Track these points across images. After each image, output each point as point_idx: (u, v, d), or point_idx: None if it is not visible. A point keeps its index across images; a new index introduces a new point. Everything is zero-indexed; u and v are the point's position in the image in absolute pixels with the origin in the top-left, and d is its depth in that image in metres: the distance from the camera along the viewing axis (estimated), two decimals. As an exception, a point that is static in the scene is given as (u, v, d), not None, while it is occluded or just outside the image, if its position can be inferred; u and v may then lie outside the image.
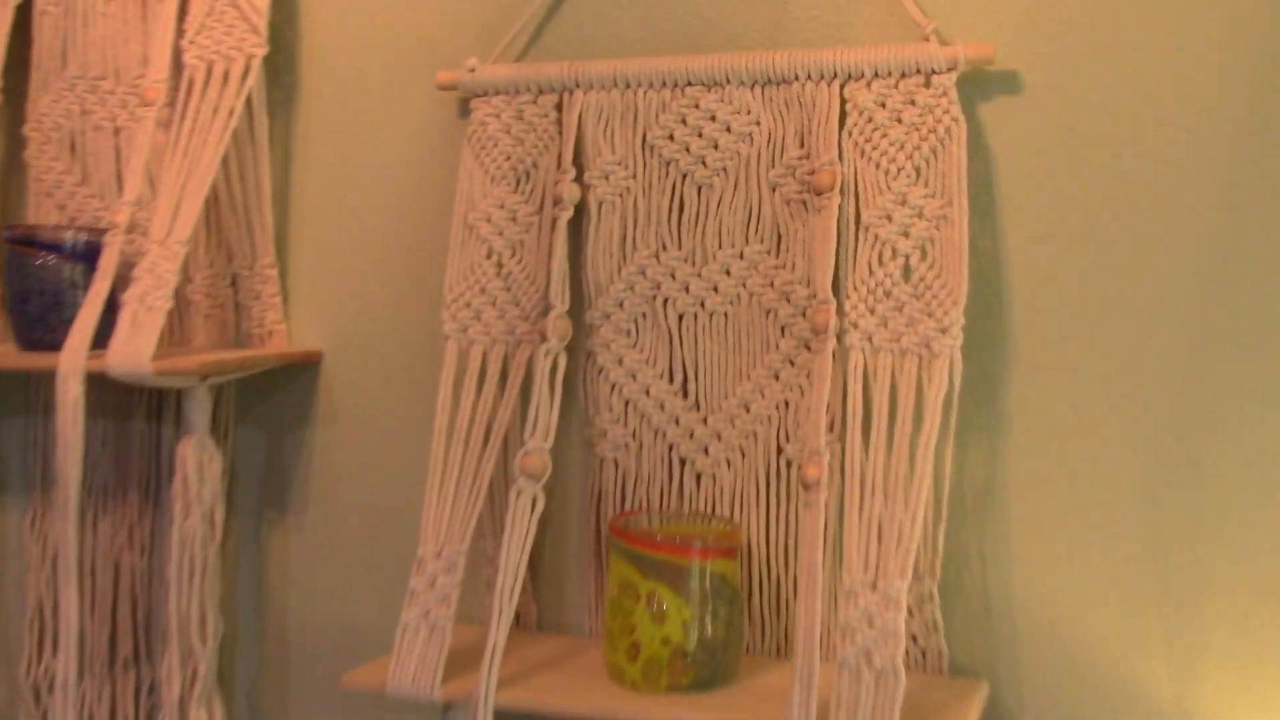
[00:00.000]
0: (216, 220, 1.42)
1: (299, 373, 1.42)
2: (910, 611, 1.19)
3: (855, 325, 1.16)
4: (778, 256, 1.22)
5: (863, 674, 1.04)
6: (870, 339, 1.16)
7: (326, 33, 1.41)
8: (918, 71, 1.16)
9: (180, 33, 1.39)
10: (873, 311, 1.16)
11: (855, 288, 1.17)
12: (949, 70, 1.15)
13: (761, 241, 1.22)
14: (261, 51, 1.35)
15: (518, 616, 1.33)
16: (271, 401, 1.43)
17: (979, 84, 1.18)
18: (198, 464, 1.32)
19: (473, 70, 1.30)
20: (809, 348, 1.20)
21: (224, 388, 1.43)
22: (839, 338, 1.16)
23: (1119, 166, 1.15)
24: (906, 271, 1.15)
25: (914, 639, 1.19)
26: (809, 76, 1.19)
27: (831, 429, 1.19)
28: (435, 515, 1.22)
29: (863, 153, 1.18)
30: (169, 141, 1.35)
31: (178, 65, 1.39)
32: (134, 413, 1.47)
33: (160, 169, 1.36)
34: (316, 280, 1.41)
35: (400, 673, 1.17)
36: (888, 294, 1.15)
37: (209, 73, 1.36)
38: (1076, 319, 1.16)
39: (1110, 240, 1.15)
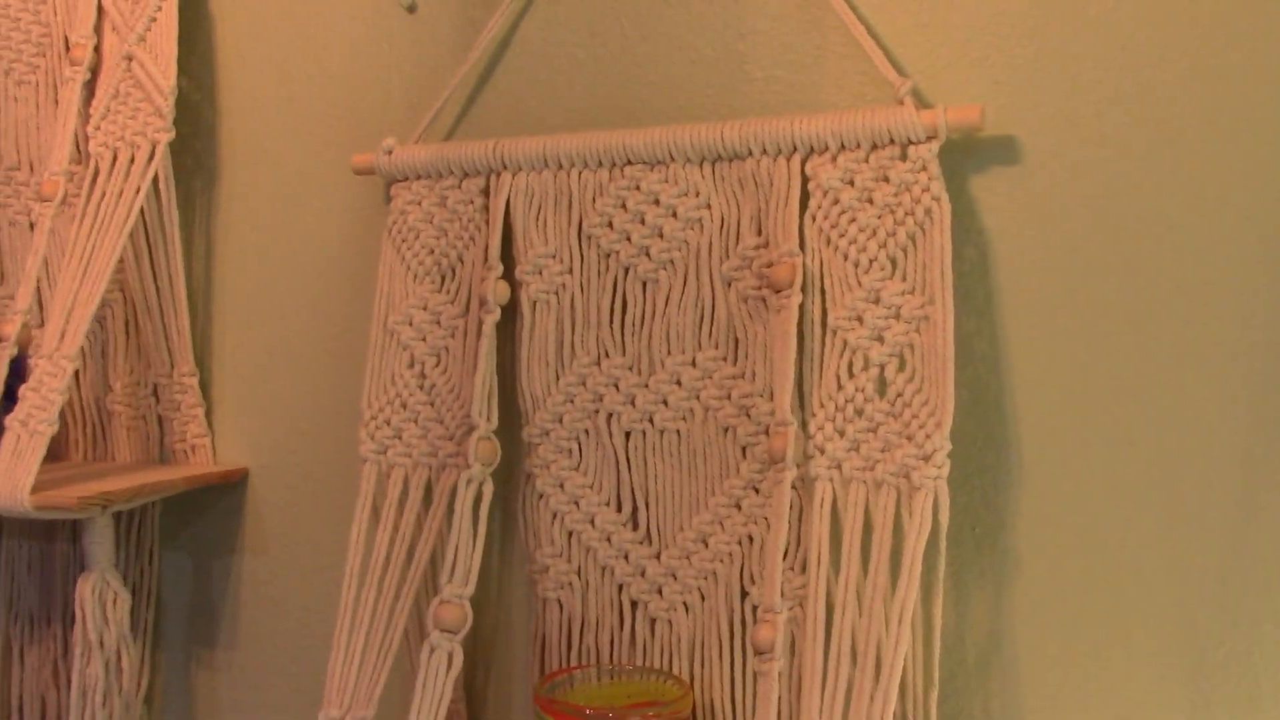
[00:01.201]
0: (133, 324, 1.28)
1: (225, 493, 1.27)
2: (901, 793, 0.98)
3: (822, 450, 0.96)
4: (735, 364, 1.03)
5: None
6: (839, 467, 0.96)
7: (245, 113, 1.26)
8: (891, 141, 0.96)
9: (85, 118, 1.25)
10: (842, 434, 0.96)
11: (822, 404, 0.97)
12: (929, 139, 0.95)
13: (716, 346, 1.03)
14: (167, 136, 1.20)
15: (458, 781, 1.15)
16: (198, 526, 1.28)
17: (969, 154, 0.98)
18: (98, 603, 1.17)
19: (389, 152, 1.13)
20: (772, 499, 1.00)
21: (145, 512, 1.28)
22: (804, 465, 0.97)
23: (1142, 247, 0.93)
24: (881, 385, 0.95)
25: (907, 828, 0.98)
26: (764, 150, 1.00)
27: (804, 570, 0.99)
28: (341, 674, 1.05)
29: (828, 241, 0.98)
30: (71, 240, 1.21)
31: (86, 154, 1.25)
32: (56, 535, 1.33)
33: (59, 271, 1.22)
34: (242, 390, 1.26)
35: None
36: (859, 412, 0.95)
37: (114, 161, 1.22)
38: (1098, 435, 0.95)
39: (1136, 336, 0.94)
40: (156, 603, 1.30)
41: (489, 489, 1.05)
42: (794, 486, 0.99)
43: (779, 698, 0.94)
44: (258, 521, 1.26)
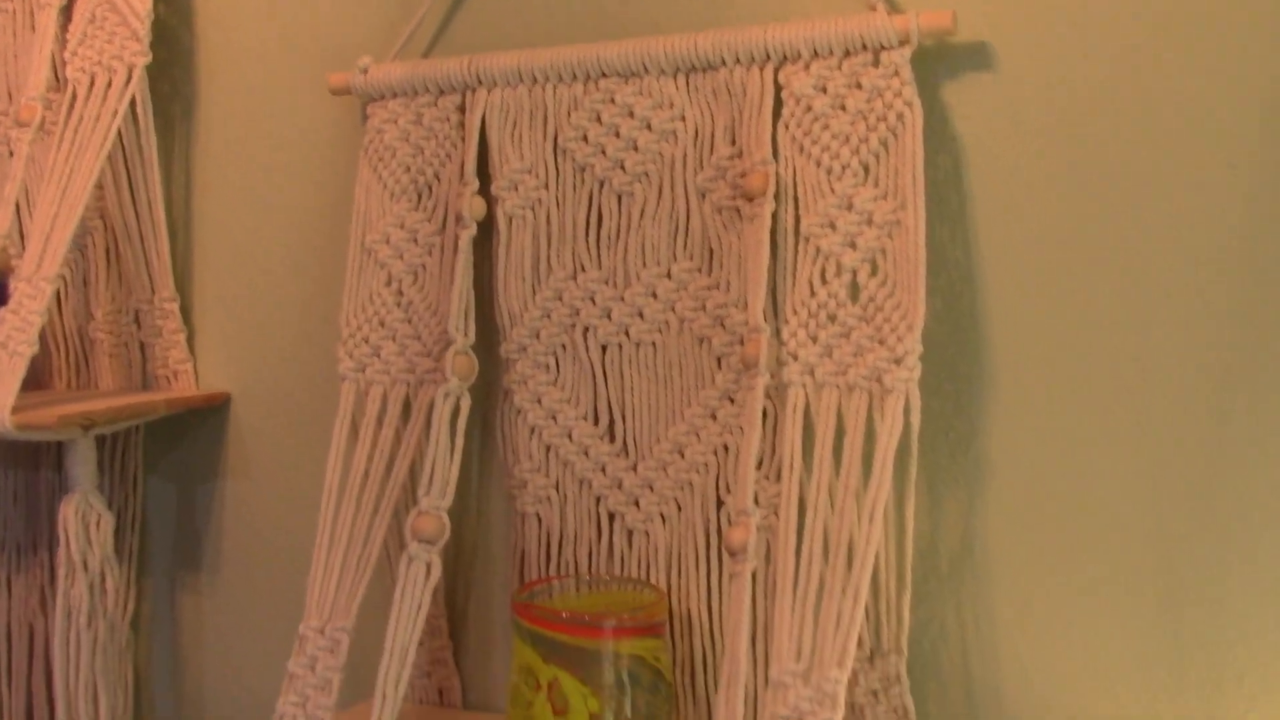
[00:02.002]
0: (114, 251, 1.28)
1: (208, 418, 1.27)
2: (875, 695, 0.99)
3: (795, 356, 0.97)
4: (709, 275, 1.03)
5: (790, 788, 0.85)
6: (812, 373, 0.96)
7: (222, 36, 1.25)
8: (864, 48, 0.96)
9: (62, 44, 1.25)
10: (815, 339, 0.96)
11: (795, 311, 0.97)
12: (901, 44, 0.95)
13: (691, 258, 1.04)
14: (143, 60, 1.20)
15: (440, 692, 1.16)
16: (180, 451, 1.29)
17: (942, 60, 0.98)
18: (81, 525, 1.18)
19: (365, 70, 1.13)
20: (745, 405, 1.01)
21: (128, 437, 1.29)
22: (777, 372, 0.97)
23: (1115, 155, 0.93)
24: (854, 290, 0.96)
25: (881, 729, 0.99)
26: (738, 60, 1.00)
27: (779, 478, 1.00)
28: (320, 587, 1.06)
29: (801, 148, 0.98)
30: (49, 165, 1.21)
31: (63, 80, 1.25)
32: (40, 462, 1.34)
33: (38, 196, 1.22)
34: (223, 316, 1.26)
35: (273, 777, 1.01)
36: (832, 318, 0.96)
37: (90, 86, 1.22)
38: (1070, 341, 0.95)
39: (1108, 244, 0.94)
40: (141, 528, 1.30)
41: (466, 403, 1.06)
42: (768, 396, 0.99)
43: (753, 602, 0.95)
44: (240, 446, 1.26)
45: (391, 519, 1.09)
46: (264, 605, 1.25)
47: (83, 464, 1.19)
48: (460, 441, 1.05)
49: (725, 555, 1.03)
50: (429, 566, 1.02)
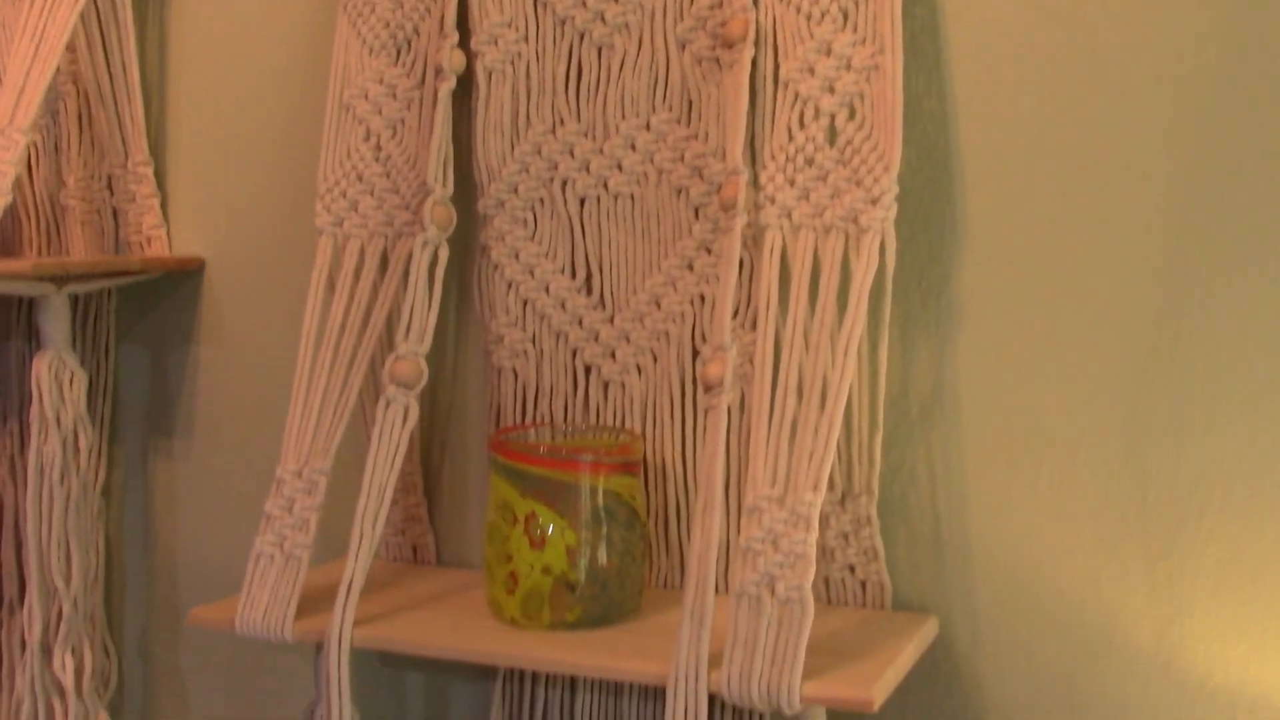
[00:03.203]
0: (87, 115, 1.27)
1: (182, 283, 1.27)
2: (845, 537, 1.01)
3: (772, 200, 0.98)
4: (688, 125, 1.04)
5: (764, 604, 0.87)
6: (789, 215, 0.98)
7: (199, -103, 1.25)
8: (844, -107, 0.97)
9: (36, -102, 1.23)
10: (792, 183, 0.98)
11: (773, 156, 0.98)
12: (881, -108, 0.96)
13: (670, 109, 1.05)
14: (117, -84, 1.19)
15: (414, 549, 1.18)
16: (154, 317, 1.29)
17: (921, -89, 0.99)
18: (54, 382, 1.18)
19: (345, -76, 1.13)
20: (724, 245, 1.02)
21: (101, 304, 1.28)
22: (754, 215, 0.99)
23: (1092, 6, 0.95)
24: (832, 134, 0.97)
25: (851, 569, 1.02)
26: (719, -92, 1.01)
27: (754, 327, 1.01)
28: (298, 431, 1.06)
29: (781, -4, 0.99)
30: (21, 23, 1.20)
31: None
32: (11, 332, 1.33)
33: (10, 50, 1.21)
34: (197, 180, 1.26)
35: (250, 609, 1.01)
36: (810, 161, 0.97)
37: (64, -58, 1.21)
38: (1042, 193, 0.97)
39: (1084, 96, 0.96)
40: (113, 396, 1.30)
41: (444, 253, 1.06)
42: (744, 246, 1.01)
43: (727, 444, 0.97)
44: (214, 311, 1.26)
45: (368, 371, 1.09)
46: (238, 471, 1.26)
47: (56, 321, 1.18)
48: (438, 291, 1.05)
49: (701, 405, 1.05)
50: (406, 410, 1.03)
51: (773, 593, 0.87)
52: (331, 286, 1.11)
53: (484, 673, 1.17)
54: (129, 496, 1.30)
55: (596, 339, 1.09)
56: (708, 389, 0.95)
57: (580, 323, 1.09)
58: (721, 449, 0.92)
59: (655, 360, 1.07)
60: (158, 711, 1.31)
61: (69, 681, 1.19)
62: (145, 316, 1.29)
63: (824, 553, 1.01)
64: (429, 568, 1.17)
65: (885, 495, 1.02)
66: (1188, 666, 0.95)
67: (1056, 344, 0.98)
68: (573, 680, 1.11)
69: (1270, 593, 0.92)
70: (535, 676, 1.13)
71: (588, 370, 1.09)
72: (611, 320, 1.08)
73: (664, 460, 1.07)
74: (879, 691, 0.85)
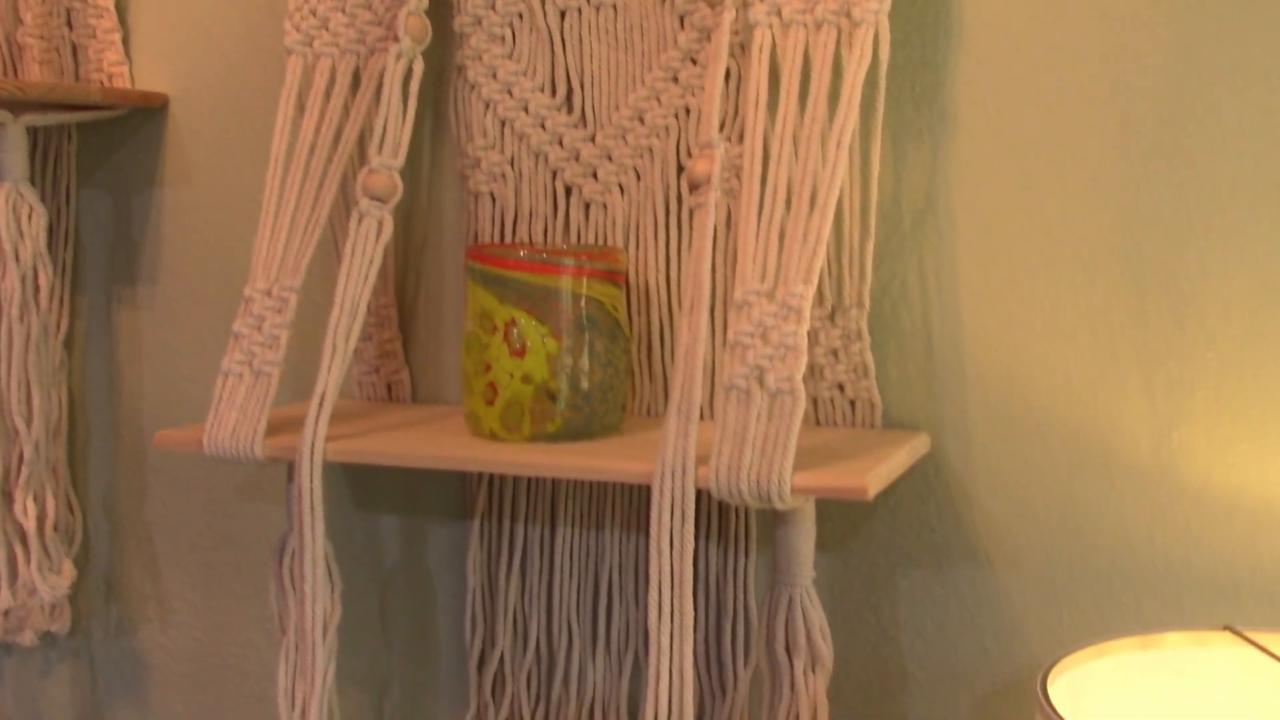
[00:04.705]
0: (44, -55, 1.22)
1: (144, 123, 1.22)
2: (835, 354, 0.98)
3: (761, -3, 0.94)
4: (672, -72, 1.00)
5: (754, 397, 0.84)
6: (779, 12, 0.94)
7: None
8: None
9: None
10: (782, -22, 0.94)
11: (761, -48, 0.95)
12: None
13: (653, -89, 1.01)
14: None
15: (389, 387, 1.14)
16: (116, 159, 1.24)
17: None
18: (13, 215, 1.13)
19: None
20: (712, 39, 0.98)
21: (61, 146, 1.23)
22: (742, 14, 0.95)
23: None
24: (822, -74, 0.93)
25: (840, 388, 0.99)
26: None
27: (742, 140, 0.97)
28: (267, 250, 1.02)
29: None
30: None
31: None
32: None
33: None
34: (160, 12, 1.21)
35: (218, 428, 0.98)
36: (800, -46, 0.93)
37: None
38: (1038, -8, 0.94)
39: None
40: (75, 243, 1.26)
41: (419, 66, 1.02)
42: (732, 55, 0.97)
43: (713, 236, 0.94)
44: (179, 151, 1.21)
45: (340, 195, 1.06)
46: (206, 315, 1.21)
47: (13, 151, 1.14)
48: (412, 105, 1.01)
49: (688, 221, 1.02)
50: (380, 224, 0.99)
51: (762, 385, 0.84)
52: (301, 108, 1.06)
53: (460, 513, 1.13)
54: (92, 347, 1.26)
55: (577, 158, 1.05)
56: (694, 187, 0.91)
57: (560, 142, 1.05)
58: (708, 248, 0.89)
59: (639, 178, 1.03)
60: (125, 570, 1.27)
61: (31, 526, 1.15)
62: (107, 159, 1.24)
63: (813, 371, 0.98)
64: (404, 404, 1.13)
65: (876, 312, 0.99)
66: (1187, 474, 0.92)
67: (1053, 148, 0.94)
68: (552, 515, 1.08)
69: (1272, 394, 0.90)
70: (514, 514, 1.09)
71: (568, 191, 1.05)
72: (593, 138, 1.04)
73: (647, 283, 1.04)
74: (872, 481, 0.82)
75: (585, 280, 0.93)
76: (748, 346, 0.85)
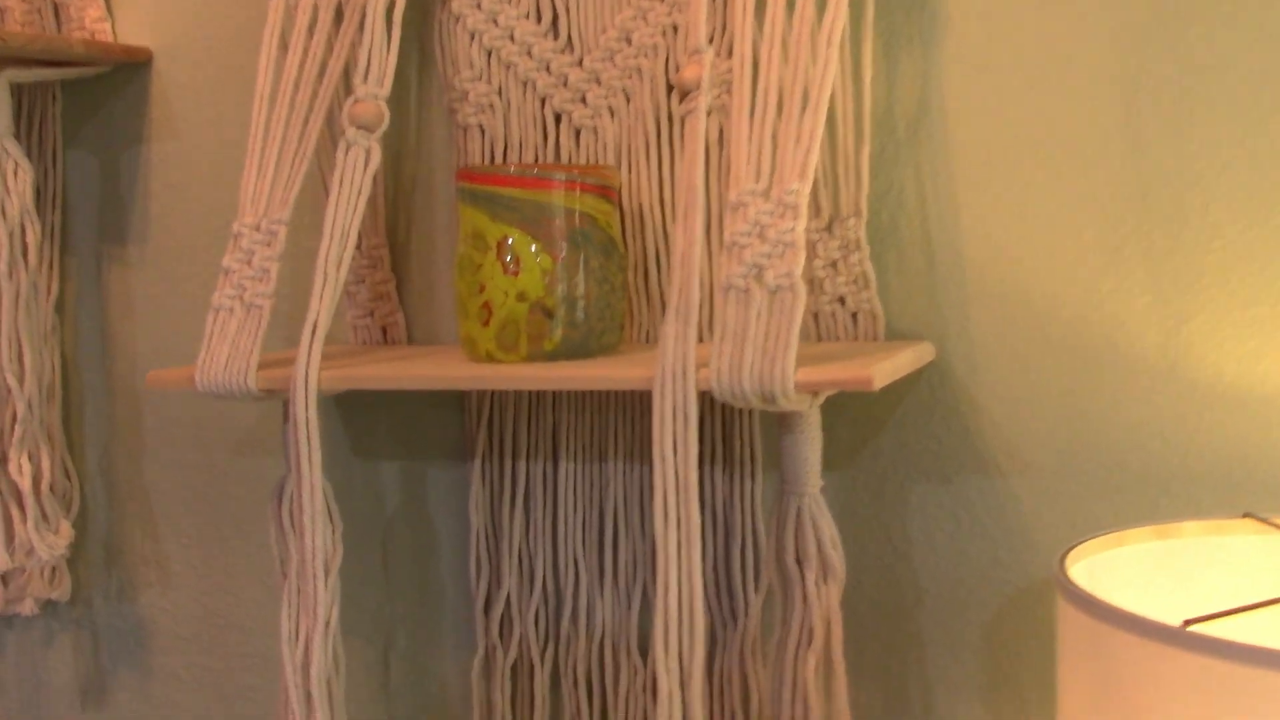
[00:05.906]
0: (22, -97, 1.21)
1: (129, 80, 1.21)
2: (834, 265, 0.96)
3: (745, -97, 0.93)
4: None
5: (753, 295, 0.82)
6: (763, -83, 0.92)
7: None
8: None
9: None
10: (765, -117, 0.92)
11: None
12: None
13: None
14: None
15: (384, 330, 1.12)
16: (101, 117, 1.22)
17: None
18: (-3, 171, 1.12)
19: None
20: (697, -47, 0.97)
21: (45, 104, 1.22)
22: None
23: None
24: None
25: (840, 300, 0.97)
26: None
27: (730, 55, 0.96)
28: (255, 185, 1.00)
29: None
30: None
31: None
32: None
33: None
34: (141, -33, 1.20)
35: (210, 363, 0.96)
36: None
37: None
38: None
39: None
40: (63, 204, 1.24)
41: (402, -4, 1.01)
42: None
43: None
44: (165, 107, 1.20)
45: (326, 130, 1.04)
46: (197, 276, 1.20)
47: (-4, 108, 1.12)
48: (396, 34, 1.00)
49: (680, 140, 1.00)
50: (368, 153, 0.97)
51: (760, 282, 0.82)
52: (285, 46, 1.05)
53: (460, 454, 1.12)
54: (83, 310, 1.25)
55: (566, 84, 1.03)
56: (684, 94, 0.90)
57: (548, 68, 1.04)
58: (701, 154, 0.87)
59: (628, 100, 1.02)
60: (124, 535, 1.25)
61: (26, 485, 1.14)
62: (92, 117, 1.23)
63: (812, 285, 0.97)
64: (400, 346, 1.11)
65: (874, 222, 0.97)
66: (1195, 369, 0.91)
67: (1048, 42, 0.93)
68: (555, 450, 1.07)
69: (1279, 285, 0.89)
70: (515, 451, 1.08)
71: (558, 118, 1.04)
72: (580, 62, 1.03)
73: (641, 205, 1.02)
74: (879, 374, 0.80)
75: (578, 194, 0.92)
76: (745, 246, 0.84)
